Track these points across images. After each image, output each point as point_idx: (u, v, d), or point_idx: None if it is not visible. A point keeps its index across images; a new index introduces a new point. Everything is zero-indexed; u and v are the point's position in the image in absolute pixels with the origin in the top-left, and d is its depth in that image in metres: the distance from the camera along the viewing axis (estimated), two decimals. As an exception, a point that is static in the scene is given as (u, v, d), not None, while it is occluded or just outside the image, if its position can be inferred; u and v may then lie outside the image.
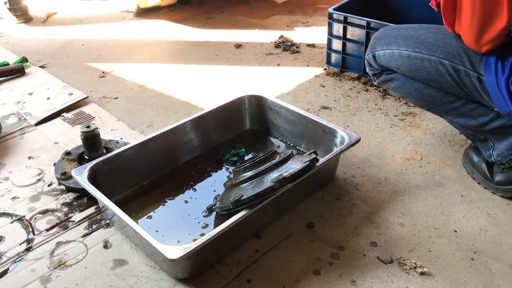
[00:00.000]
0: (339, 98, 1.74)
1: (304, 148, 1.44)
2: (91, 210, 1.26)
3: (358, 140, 1.27)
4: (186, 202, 1.28)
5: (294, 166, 1.11)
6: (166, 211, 1.25)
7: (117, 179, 1.27)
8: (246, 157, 1.41)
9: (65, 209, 1.27)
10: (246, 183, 1.10)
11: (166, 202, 1.28)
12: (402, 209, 1.24)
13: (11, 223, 1.24)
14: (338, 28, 1.84)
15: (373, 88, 1.79)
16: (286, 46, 2.13)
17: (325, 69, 1.94)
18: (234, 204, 1.05)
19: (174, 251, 0.96)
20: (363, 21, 1.74)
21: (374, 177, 1.35)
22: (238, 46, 2.17)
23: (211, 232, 1.00)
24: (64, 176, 1.32)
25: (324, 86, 1.83)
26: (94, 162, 1.22)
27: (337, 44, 1.87)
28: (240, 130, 1.53)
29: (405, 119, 1.61)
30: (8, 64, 1.97)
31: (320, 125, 1.36)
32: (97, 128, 1.32)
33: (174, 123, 1.37)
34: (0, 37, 2.34)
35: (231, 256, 1.11)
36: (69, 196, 1.31)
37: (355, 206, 1.25)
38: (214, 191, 1.31)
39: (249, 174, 1.11)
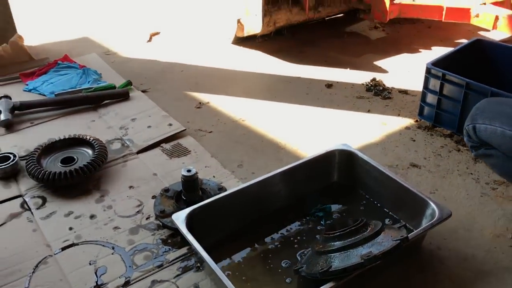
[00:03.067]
0: (429, 156, 1.73)
1: (391, 211, 1.45)
2: (184, 250, 1.36)
3: (449, 216, 1.27)
4: (270, 251, 1.34)
5: (384, 242, 1.13)
6: (253, 260, 1.32)
7: (210, 225, 1.35)
8: (332, 210, 1.45)
9: (160, 246, 1.38)
10: (335, 254, 1.14)
11: (253, 249, 1.34)
12: (488, 293, 1.23)
13: (112, 254, 1.36)
14: (434, 84, 1.82)
15: (465, 148, 1.76)
16: (377, 91, 2.13)
17: (417, 121, 1.93)
18: (322, 274, 1.09)
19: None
20: (462, 81, 1.71)
21: (460, 251, 1.34)
22: (329, 85, 2.20)
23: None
24: (163, 214, 1.43)
25: (414, 141, 1.82)
26: (192, 208, 1.31)
27: (431, 98, 1.85)
28: (328, 182, 1.57)
29: (497, 188, 1.57)
30: (115, 87, 2.14)
31: (412, 194, 1.36)
32: (196, 173, 1.42)
33: (265, 174, 1.44)
34: (107, 55, 2.53)
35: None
36: (165, 233, 1.41)
37: (439, 283, 1.25)
38: (296, 246, 1.36)
39: (338, 244, 1.15)
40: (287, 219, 1.45)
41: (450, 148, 1.77)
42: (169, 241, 1.39)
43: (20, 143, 1.81)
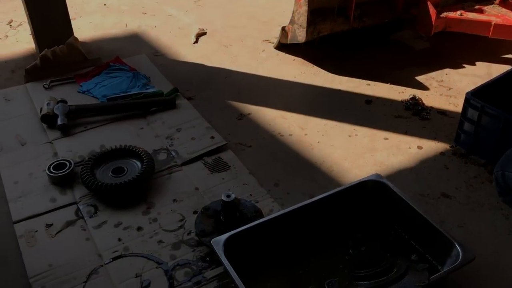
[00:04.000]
0: (461, 185, 1.77)
1: (418, 244, 1.51)
2: (221, 269, 1.48)
3: (472, 260, 1.33)
4: (300, 277, 1.44)
5: (407, 287, 1.22)
6: (283, 285, 1.43)
7: (246, 249, 1.46)
8: (361, 239, 1.54)
9: (200, 263, 1.50)
10: (363, 293, 1.24)
11: (284, 275, 1.45)
12: (504, 336, 1.30)
13: (156, 268, 1.49)
14: (472, 114, 1.84)
15: (498, 180, 1.79)
16: (416, 110, 2.16)
17: (452, 146, 1.96)
18: (347, 313, 1.19)
19: None
20: (500, 115, 1.73)
21: (481, 291, 1.41)
22: (368, 101, 2.24)
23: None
24: (203, 234, 1.55)
25: (448, 168, 1.86)
26: (229, 234, 1.42)
27: (469, 127, 1.88)
28: (359, 212, 1.62)
29: (526, 226, 1.61)
30: (162, 94, 2.25)
31: (439, 233, 1.42)
32: (235, 198, 1.52)
33: (300, 201, 1.53)
34: (156, 56, 2.64)
35: None
36: (204, 250, 1.54)
37: (457, 322, 1.33)
38: (323, 274, 1.45)
39: (365, 284, 1.24)
40: (318, 246, 1.54)
41: (483, 179, 1.80)
42: (207, 258, 1.52)
43: (75, 148, 1.96)
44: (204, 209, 1.63)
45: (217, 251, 1.38)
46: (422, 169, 1.86)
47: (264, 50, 2.68)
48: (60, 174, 1.78)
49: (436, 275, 1.31)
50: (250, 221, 1.58)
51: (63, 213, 1.68)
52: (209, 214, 1.61)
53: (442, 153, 1.93)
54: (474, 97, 1.83)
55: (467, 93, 1.85)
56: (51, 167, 1.80)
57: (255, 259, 1.48)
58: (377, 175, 1.63)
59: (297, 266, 1.48)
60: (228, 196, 1.52)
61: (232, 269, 1.32)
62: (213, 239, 1.41)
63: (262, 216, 1.61)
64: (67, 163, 1.82)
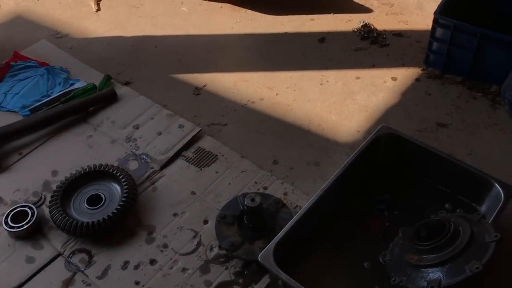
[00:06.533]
0: (450, 110, 1.75)
1: (445, 187, 1.47)
2: (266, 279, 1.33)
3: (513, 190, 1.33)
4: (350, 256, 1.36)
5: (481, 246, 1.17)
6: (336, 271, 1.33)
7: (289, 249, 1.32)
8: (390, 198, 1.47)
9: (241, 280, 1.34)
10: (434, 268, 1.16)
11: (333, 258, 1.35)
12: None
13: (197, 302, 1.30)
14: (443, 33, 1.78)
15: (479, 94, 1.79)
16: (373, 38, 2.06)
17: (423, 69, 1.91)
18: (436, 292, 1.13)
19: None
20: (476, 31, 1.69)
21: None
22: (322, 40, 2.08)
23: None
24: (233, 248, 1.36)
25: (430, 94, 1.82)
26: (274, 244, 1.25)
27: (439, 47, 1.83)
28: (380, 170, 1.52)
29: (523, 137, 1.65)
30: (94, 87, 1.88)
31: (472, 174, 1.38)
32: (261, 201, 1.34)
33: (320, 188, 1.36)
34: (59, 39, 2.18)
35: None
36: (237, 264, 1.36)
37: None
38: (371, 245, 1.37)
39: (435, 257, 1.16)
40: (353, 220, 1.44)
41: (466, 98, 1.79)
42: (246, 272, 1.35)
43: (22, 185, 1.59)
44: (220, 217, 1.43)
45: (271, 269, 1.21)
46: (406, 102, 1.80)
47: (182, 2, 2.34)
48: (25, 228, 1.43)
49: (493, 217, 1.28)
50: (275, 215, 1.44)
51: (52, 273, 1.37)
52: (228, 222, 1.42)
53: (417, 79, 1.88)
54: (442, 15, 1.76)
55: (435, 13, 1.76)
56: (8, 220, 1.45)
57: (299, 255, 1.35)
58: (384, 126, 1.53)
59: (345, 246, 1.38)
60: (253, 200, 1.33)
61: (295, 282, 1.18)
62: (260, 256, 1.24)
63: (284, 206, 1.46)
64: (28, 209, 1.46)
